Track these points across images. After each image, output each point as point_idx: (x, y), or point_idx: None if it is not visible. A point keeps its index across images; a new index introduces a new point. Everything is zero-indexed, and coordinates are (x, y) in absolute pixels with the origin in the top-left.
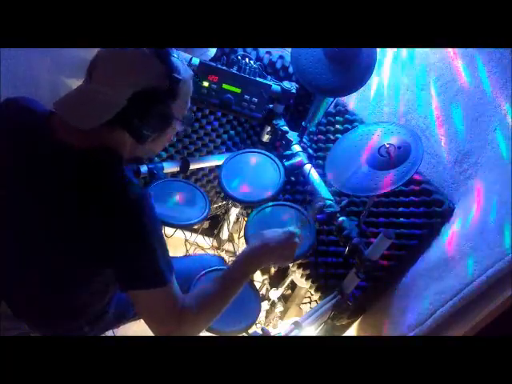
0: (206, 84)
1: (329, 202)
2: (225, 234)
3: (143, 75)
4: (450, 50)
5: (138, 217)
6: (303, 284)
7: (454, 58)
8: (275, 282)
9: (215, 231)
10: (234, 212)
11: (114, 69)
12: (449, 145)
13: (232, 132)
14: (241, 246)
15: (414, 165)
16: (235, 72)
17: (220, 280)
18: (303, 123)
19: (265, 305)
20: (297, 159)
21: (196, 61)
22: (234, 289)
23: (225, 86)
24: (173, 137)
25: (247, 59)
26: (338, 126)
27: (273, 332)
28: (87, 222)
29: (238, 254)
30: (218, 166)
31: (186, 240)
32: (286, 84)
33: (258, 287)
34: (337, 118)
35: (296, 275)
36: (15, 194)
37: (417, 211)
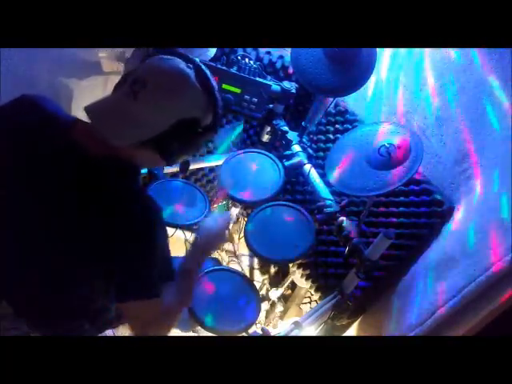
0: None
1: (329, 202)
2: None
3: (191, 107)
4: (449, 49)
5: (147, 225)
6: (303, 284)
7: (454, 58)
8: (275, 281)
9: None
10: (234, 212)
11: (164, 95)
12: (449, 145)
13: None
14: (241, 245)
15: (414, 165)
16: (235, 72)
17: (183, 274)
18: (303, 123)
19: (265, 305)
20: (297, 159)
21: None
22: (191, 279)
23: (225, 86)
24: None
25: (247, 59)
26: (337, 126)
27: (273, 332)
28: (90, 225)
29: (236, 253)
30: (218, 166)
31: (186, 240)
32: (286, 84)
33: (258, 287)
34: (337, 117)
35: (296, 275)
36: (18, 193)
37: (417, 211)
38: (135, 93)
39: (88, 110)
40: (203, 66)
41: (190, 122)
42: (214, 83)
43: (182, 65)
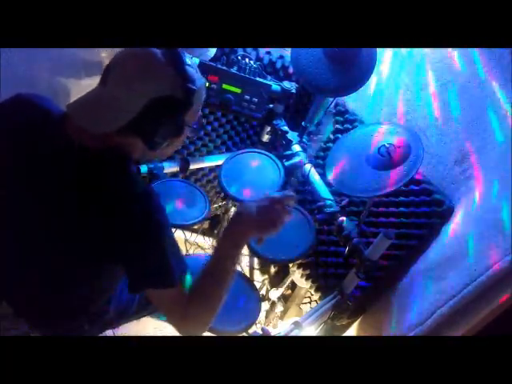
0: (206, 84)
1: (329, 202)
2: None
3: (158, 84)
4: (449, 49)
5: (146, 215)
6: (303, 284)
7: (454, 58)
8: (275, 282)
9: (215, 231)
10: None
11: (130, 76)
12: (449, 145)
13: (232, 132)
14: None
15: (415, 165)
16: (235, 72)
17: (209, 264)
18: (303, 123)
19: (265, 305)
20: (297, 159)
21: (196, 61)
22: (226, 270)
23: (225, 86)
24: (183, 141)
25: (247, 59)
26: (337, 126)
27: (273, 332)
28: (90, 222)
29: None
30: (218, 166)
31: (186, 240)
32: (286, 84)
33: (258, 287)
34: (337, 117)
35: (296, 275)
36: (18, 193)
37: (417, 211)
38: (104, 80)
39: (68, 105)
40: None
41: (162, 101)
42: (184, 59)
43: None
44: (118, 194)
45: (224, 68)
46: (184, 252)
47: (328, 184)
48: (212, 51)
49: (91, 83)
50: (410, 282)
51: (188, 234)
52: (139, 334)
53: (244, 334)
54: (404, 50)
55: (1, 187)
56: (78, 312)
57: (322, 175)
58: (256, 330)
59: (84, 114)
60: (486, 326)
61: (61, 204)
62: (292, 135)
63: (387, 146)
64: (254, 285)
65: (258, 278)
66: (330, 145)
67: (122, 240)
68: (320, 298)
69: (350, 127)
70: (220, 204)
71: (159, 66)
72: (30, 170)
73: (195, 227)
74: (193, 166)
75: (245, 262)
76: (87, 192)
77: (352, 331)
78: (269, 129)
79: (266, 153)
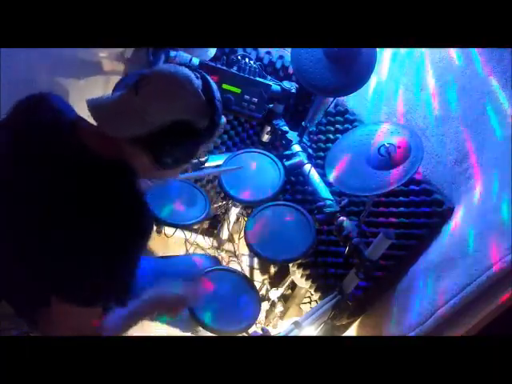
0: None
1: (329, 202)
2: (225, 234)
3: (187, 108)
4: (449, 49)
5: (130, 234)
6: (303, 284)
7: (454, 58)
8: (275, 282)
9: (215, 231)
10: (234, 212)
11: (164, 94)
12: (449, 145)
13: (232, 132)
14: (241, 246)
15: (414, 165)
16: (235, 72)
17: (126, 316)
18: (303, 123)
19: (265, 305)
20: (297, 159)
21: (196, 61)
22: (133, 322)
23: (225, 86)
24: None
25: (247, 59)
26: (338, 126)
27: (273, 332)
28: (91, 223)
29: (236, 253)
30: (218, 166)
31: (186, 240)
32: (286, 84)
33: (258, 287)
34: (337, 117)
35: (296, 275)
36: (24, 193)
37: (417, 211)
38: (138, 88)
39: (88, 100)
40: (210, 80)
41: (184, 124)
42: (218, 93)
43: (191, 74)
44: (116, 197)
45: (224, 68)
46: (184, 252)
47: (328, 184)
48: (212, 51)
49: (91, 83)
50: (410, 282)
51: (188, 234)
52: (139, 334)
53: (244, 334)
54: (404, 50)
55: (8, 186)
56: None
57: (322, 175)
58: (256, 329)
59: (105, 115)
60: (486, 326)
61: (61, 205)
62: (292, 135)
63: (387, 145)
64: (254, 285)
65: (258, 278)
66: (330, 145)
67: (113, 246)
68: (320, 298)
69: (350, 127)
70: (220, 204)
71: (196, 96)
72: (37, 170)
73: (195, 227)
74: None
75: (245, 261)
76: (87, 194)
77: (352, 331)
78: (269, 129)
79: (266, 153)
